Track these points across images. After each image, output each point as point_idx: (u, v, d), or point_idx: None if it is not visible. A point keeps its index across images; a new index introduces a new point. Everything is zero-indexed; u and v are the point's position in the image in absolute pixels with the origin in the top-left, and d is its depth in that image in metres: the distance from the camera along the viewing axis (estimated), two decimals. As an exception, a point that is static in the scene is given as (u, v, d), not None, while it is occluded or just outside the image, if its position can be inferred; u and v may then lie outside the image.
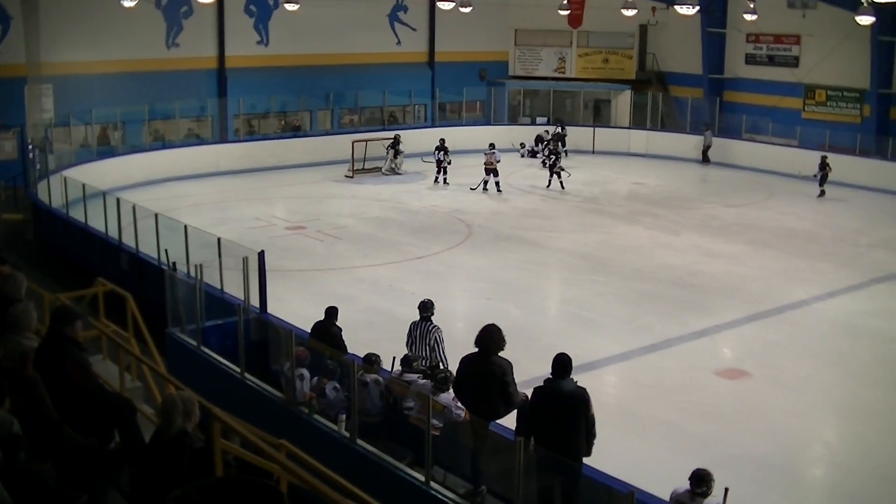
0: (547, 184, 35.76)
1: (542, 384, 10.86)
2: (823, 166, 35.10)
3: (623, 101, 47.55)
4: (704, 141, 42.72)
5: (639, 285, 24.01)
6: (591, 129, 45.33)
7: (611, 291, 23.59)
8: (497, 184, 35.19)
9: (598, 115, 48.35)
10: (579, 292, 23.71)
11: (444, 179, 36.41)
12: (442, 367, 14.25)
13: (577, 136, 44.22)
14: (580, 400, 10.60)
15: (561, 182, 35.28)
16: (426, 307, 14.95)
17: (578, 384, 10.76)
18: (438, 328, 14.72)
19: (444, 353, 14.51)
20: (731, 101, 46.02)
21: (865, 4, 32.78)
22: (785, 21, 43.62)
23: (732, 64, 46.72)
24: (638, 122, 45.82)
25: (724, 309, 22.30)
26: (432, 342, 14.52)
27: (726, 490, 9.98)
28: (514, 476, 10.05)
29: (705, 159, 42.61)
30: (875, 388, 18.06)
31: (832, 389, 18.06)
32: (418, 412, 11.91)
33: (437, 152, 36.40)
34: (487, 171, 35.16)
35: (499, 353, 11.40)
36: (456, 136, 39.98)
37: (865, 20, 33.82)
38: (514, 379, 11.33)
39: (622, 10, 36.72)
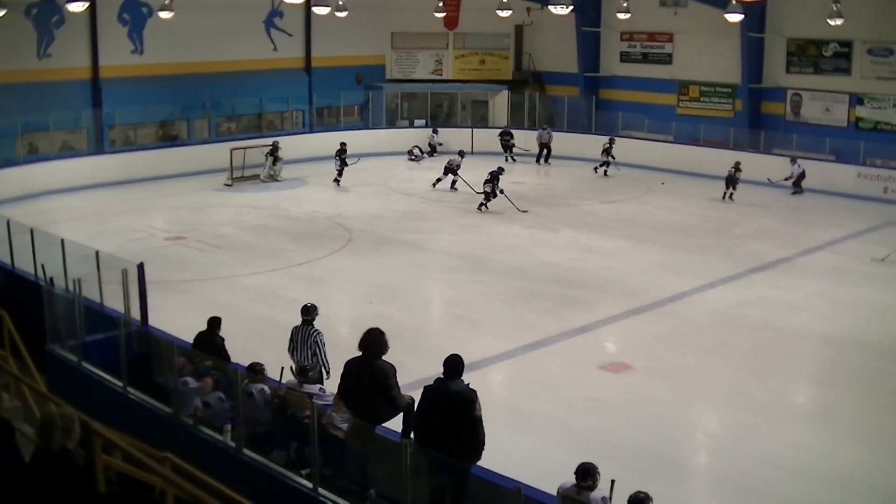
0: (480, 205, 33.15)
1: (432, 384, 10.91)
2: (734, 171, 35.16)
3: (500, 102, 47.93)
4: (540, 138, 42.84)
5: (519, 284, 24.23)
6: (470, 129, 45.53)
7: (492, 291, 23.77)
8: (439, 180, 36.34)
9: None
10: (461, 293, 23.84)
11: (337, 180, 36.97)
12: (325, 371, 14.29)
13: (456, 136, 44.62)
14: (466, 400, 10.63)
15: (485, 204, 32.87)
16: (308, 311, 14.96)
17: (469, 385, 10.80)
18: (319, 332, 14.75)
19: (325, 357, 14.56)
20: (607, 98, 46.75)
21: (734, 2, 33.58)
22: (658, 19, 44.45)
23: (607, 62, 47.39)
24: (516, 122, 46.13)
25: (605, 304, 22.64)
26: (313, 346, 14.52)
27: (612, 482, 10.13)
28: (401, 478, 10.07)
29: (542, 156, 42.65)
30: (753, 376, 18.49)
31: (713, 378, 18.45)
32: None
33: (337, 155, 36.79)
34: (446, 171, 36.27)
35: (382, 357, 11.42)
36: (334, 141, 39.82)
37: (734, 17, 34.58)
38: (397, 382, 11.36)
39: (497, 12, 36.92)
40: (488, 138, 43.96)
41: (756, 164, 36.59)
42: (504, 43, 49.64)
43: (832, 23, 34.53)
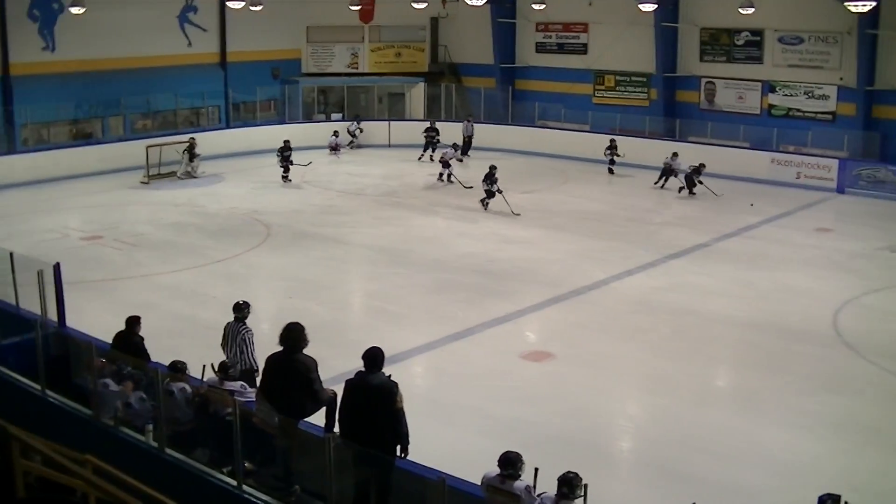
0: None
1: (353, 377, 10.87)
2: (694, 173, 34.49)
3: (417, 94, 47.93)
4: (466, 131, 42.66)
5: (439, 275, 24.27)
6: (387, 122, 45.44)
7: (412, 283, 23.79)
8: (449, 175, 35.90)
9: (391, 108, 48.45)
10: (381, 286, 23.84)
11: (286, 177, 36.47)
12: (254, 368, 14.23)
13: (373, 129, 44.57)
14: (387, 392, 10.62)
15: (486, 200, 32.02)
16: (238, 308, 14.99)
17: (391, 377, 10.78)
18: (248, 329, 14.77)
19: (253, 354, 14.51)
20: (523, 89, 46.89)
21: (647, -9, 33.90)
22: (573, 9, 44.64)
23: (523, 53, 47.55)
24: (433, 115, 46.02)
25: (526, 293, 22.72)
26: (241, 344, 14.47)
27: (536, 470, 10.16)
28: (325, 473, 10.03)
29: (467, 149, 42.06)
30: (674, 361, 18.72)
31: (634, 364, 18.63)
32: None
33: (280, 152, 36.45)
34: (444, 165, 36.12)
35: (303, 351, 11.36)
36: (251, 136, 39.55)
37: (648, 7, 34.95)
38: (319, 376, 11.32)
39: (413, 4, 37.00)
40: (406, 131, 43.76)
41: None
42: (420, 35, 49.64)
43: (743, 11, 34.97)
